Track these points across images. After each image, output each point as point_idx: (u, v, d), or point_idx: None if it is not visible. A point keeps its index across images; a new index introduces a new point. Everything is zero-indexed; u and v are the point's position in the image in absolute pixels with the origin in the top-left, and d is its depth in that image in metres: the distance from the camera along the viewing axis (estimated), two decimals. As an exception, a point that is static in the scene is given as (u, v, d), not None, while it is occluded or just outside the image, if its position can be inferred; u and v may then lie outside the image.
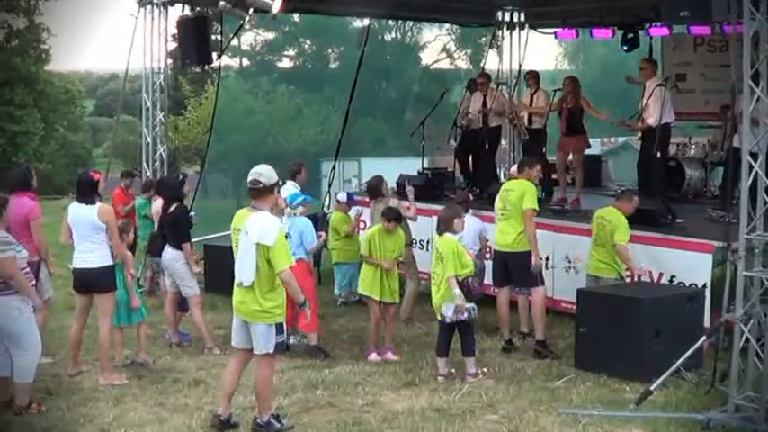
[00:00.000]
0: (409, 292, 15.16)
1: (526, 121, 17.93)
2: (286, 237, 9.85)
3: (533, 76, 18.26)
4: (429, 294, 16.39)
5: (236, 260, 9.58)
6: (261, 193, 9.51)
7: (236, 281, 9.52)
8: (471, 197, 15.73)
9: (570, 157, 17.33)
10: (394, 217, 13.18)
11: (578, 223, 13.94)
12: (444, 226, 11.92)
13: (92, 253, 11.49)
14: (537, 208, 13.05)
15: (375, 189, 15.08)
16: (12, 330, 10.15)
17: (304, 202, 13.56)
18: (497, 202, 13.31)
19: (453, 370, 11.93)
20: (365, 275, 13.18)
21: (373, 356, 12.85)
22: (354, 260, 15.10)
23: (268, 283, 9.42)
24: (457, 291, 11.54)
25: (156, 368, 12.28)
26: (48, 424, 10.00)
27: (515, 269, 13.03)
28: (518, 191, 12.97)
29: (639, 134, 17.21)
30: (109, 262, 11.51)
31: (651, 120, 15.90)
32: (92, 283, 11.60)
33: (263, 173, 9.56)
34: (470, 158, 19.27)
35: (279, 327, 9.53)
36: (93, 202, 11.52)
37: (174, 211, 13.33)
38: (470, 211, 14.41)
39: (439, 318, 11.91)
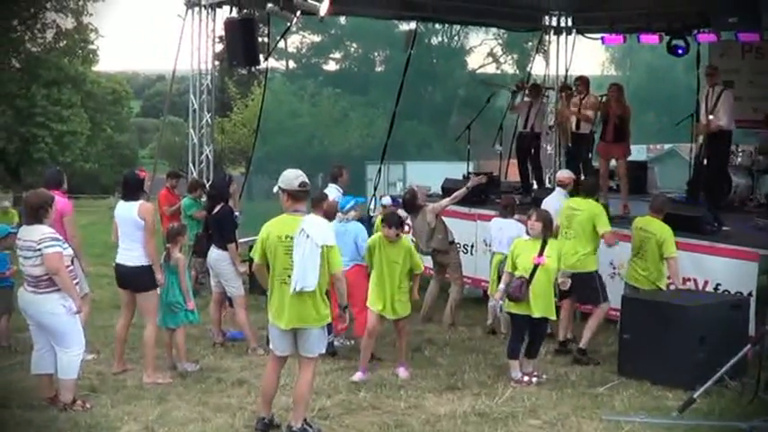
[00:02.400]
0: (452, 298, 15.09)
1: (574, 126, 17.88)
2: None
3: (583, 82, 18.17)
4: (472, 299, 16.49)
5: (294, 267, 9.07)
6: (307, 195, 9.37)
7: (296, 288, 9.05)
8: (517, 201, 15.61)
9: (614, 163, 17.25)
10: (395, 223, 11.93)
11: (623, 229, 13.81)
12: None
13: (130, 251, 11.60)
14: (610, 228, 12.96)
15: (410, 203, 14.72)
16: (56, 327, 10.23)
17: (355, 206, 13.41)
18: (561, 219, 13.16)
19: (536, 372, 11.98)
20: (371, 284, 12.11)
21: (358, 376, 11.84)
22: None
23: (323, 286, 9.27)
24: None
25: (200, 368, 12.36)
26: (92, 421, 10.07)
27: (579, 288, 12.78)
28: (587, 212, 12.87)
29: (701, 139, 16.75)
30: (146, 262, 11.56)
31: (723, 122, 15.81)
32: (129, 280, 11.73)
33: (305, 176, 9.28)
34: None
35: (329, 327, 9.54)
36: (136, 200, 11.64)
37: (219, 212, 13.41)
38: (516, 215, 14.33)
39: None
